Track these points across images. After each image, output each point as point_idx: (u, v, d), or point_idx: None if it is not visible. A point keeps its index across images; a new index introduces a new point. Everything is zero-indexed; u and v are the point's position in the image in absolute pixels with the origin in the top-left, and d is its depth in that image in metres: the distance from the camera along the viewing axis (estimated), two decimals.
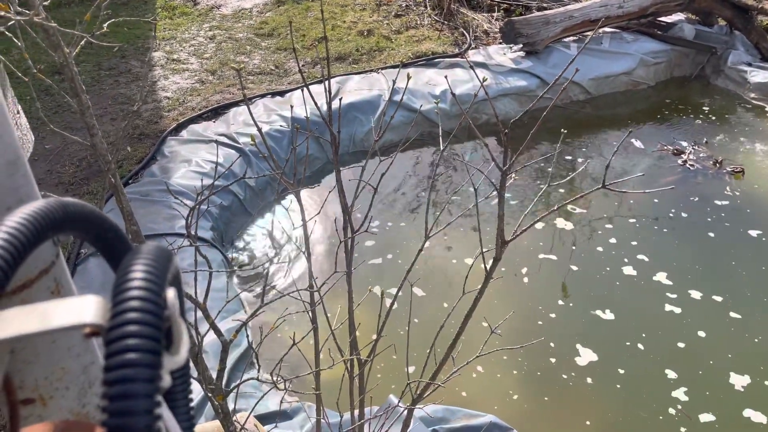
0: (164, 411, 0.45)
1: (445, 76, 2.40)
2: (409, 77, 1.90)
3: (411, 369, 2.80)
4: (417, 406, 1.84)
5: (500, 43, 6.18)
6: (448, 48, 6.09)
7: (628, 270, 3.72)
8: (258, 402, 1.61)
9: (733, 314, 3.38)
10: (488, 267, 1.64)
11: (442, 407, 2.70)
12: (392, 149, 5.15)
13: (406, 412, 1.99)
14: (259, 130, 1.60)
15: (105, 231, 0.47)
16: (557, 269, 3.77)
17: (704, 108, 5.70)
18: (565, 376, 3.06)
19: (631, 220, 4.19)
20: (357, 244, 3.92)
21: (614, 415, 2.89)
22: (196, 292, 1.37)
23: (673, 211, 4.25)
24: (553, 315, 3.43)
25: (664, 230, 4.08)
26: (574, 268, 3.77)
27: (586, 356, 3.17)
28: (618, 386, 3.01)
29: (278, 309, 3.12)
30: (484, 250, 1.71)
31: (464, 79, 5.46)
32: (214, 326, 1.37)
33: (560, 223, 4.20)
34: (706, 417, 2.86)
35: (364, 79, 5.47)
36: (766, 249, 3.87)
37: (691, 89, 6.08)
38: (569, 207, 4.41)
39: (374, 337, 1.77)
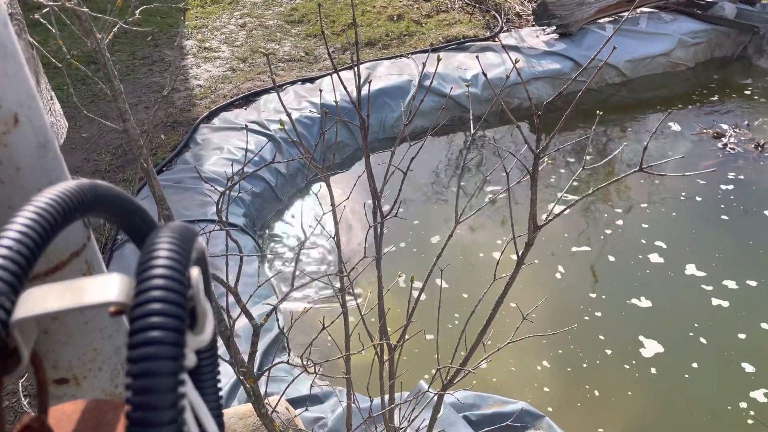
0: (191, 391, 0.45)
1: (476, 56, 2.36)
2: (439, 59, 1.87)
3: (441, 356, 2.79)
4: (447, 392, 1.83)
5: (533, 25, 6.06)
6: (480, 31, 6.00)
7: (662, 258, 3.63)
8: (289, 385, 1.62)
9: None
10: (520, 253, 1.61)
11: (472, 393, 2.69)
12: (423, 135, 5.11)
13: (436, 397, 1.98)
14: (289, 115, 1.59)
15: (132, 213, 0.47)
16: (592, 258, 3.70)
17: (746, 89, 5.50)
18: (598, 361, 3.01)
19: (669, 207, 4.08)
20: (388, 229, 3.92)
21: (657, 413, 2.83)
22: (227, 277, 1.38)
23: (714, 197, 4.13)
24: (594, 309, 3.37)
25: (707, 217, 3.97)
26: (612, 258, 3.69)
27: (650, 347, 3.10)
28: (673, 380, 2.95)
29: (310, 295, 3.15)
30: (517, 236, 1.68)
31: (496, 63, 5.38)
32: (245, 310, 1.38)
33: (596, 209, 4.12)
34: None
35: (394, 64, 5.43)
36: None
37: (732, 70, 5.87)
38: (606, 194, 4.32)
39: (404, 323, 1.77)
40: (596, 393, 2.90)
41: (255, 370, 2.62)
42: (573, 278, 3.54)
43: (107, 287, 0.38)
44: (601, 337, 3.16)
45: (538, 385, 2.95)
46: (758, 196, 4.11)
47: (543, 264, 3.63)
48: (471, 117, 2.01)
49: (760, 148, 4.56)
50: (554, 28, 5.69)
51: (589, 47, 5.54)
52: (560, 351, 3.08)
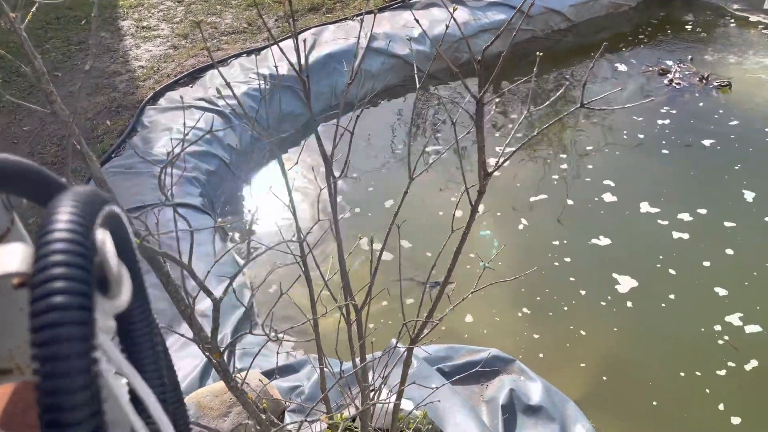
0: (119, 359, 0.44)
1: (416, 20, 2.33)
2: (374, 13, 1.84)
3: (410, 314, 2.83)
4: (417, 346, 1.86)
5: None
6: None
7: (615, 197, 3.72)
8: (255, 357, 1.63)
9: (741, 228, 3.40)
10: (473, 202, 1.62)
11: (445, 346, 2.74)
12: (376, 97, 5.07)
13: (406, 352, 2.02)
14: (230, 87, 1.55)
15: (38, 182, 0.45)
16: (552, 205, 3.76)
17: (687, 25, 5.59)
18: (574, 302, 3.10)
19: (615, 147, 4.17)
20: (342, 196, 3.92)
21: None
22: (179, 254, 1.36)
23: (655, 132, 4.23)
24: (561, 254, 3.44)
25: (657, 151, 4.06)
26: (570, 202, 3.76)
27: (625, 283, 3.19)
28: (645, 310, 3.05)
29: (283, 269, 3.13)
30: (469, 186, 1.70)
31: (442, 19, 5.33)
32: (202, 286, 1.37)
33: (549, 157, 4.18)
34: (753, 328, 2.91)
35: (340, 28, 5.33)
36: (756, 160, 3.86)
37: (673, 6, 5.94)
38: (558, 141, 4.38)
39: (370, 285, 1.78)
40: (582, 332, 2.97)
41: (225, 345, 2.61)
42: (536, 227, 3.60)
43: (8, 258, 0.37)
44: (572, 279, 3.24)
45: (524, 332, 3.01)
46: (696, 127, 4.22)
47: (506, 218, 3.68)
48: (416, 75, 1.99)
49: (704, 81, 4.66)
50: None
51: None
52: (538, 298, 3.14)
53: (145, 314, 0.50)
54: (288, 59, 1.73)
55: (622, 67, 5.04)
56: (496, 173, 4.42)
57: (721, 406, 2.55)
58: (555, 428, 2.34)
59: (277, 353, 1.62)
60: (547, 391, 2.47)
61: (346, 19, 5.54)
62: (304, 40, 1.54)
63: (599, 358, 2.86)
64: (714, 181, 3.75)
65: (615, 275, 3.22)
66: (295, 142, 4.50)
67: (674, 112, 4.40)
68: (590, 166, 4.01)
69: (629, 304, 3.07)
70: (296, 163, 1.69)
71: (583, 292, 3.16)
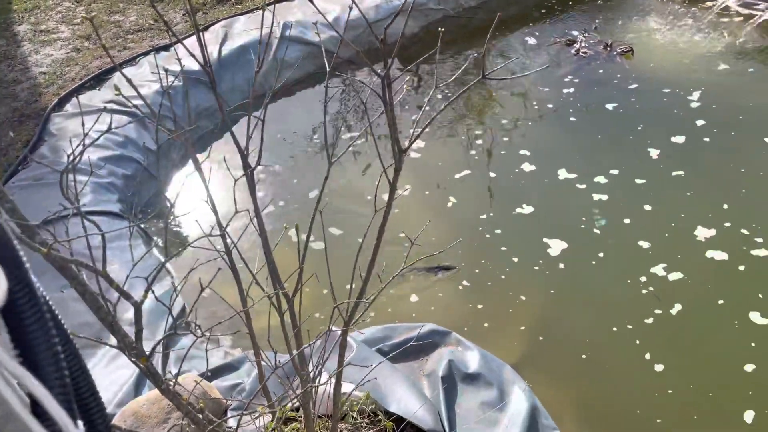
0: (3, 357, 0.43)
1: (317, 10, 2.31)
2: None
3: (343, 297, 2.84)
4: (351, 329, 1.88)
5: None
6: None
7: (533, 166, 3.86)
8: (184, 358, 1.60)
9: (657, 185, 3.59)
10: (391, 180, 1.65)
11: (383, 327, 2.78)
12: (295, 87, 5.02)
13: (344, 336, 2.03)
14: (132, 84, 1.50)
15: None
16: (476, 179, 3.85)
17: None
18: (508, 269, 3.19)
19: (531, 117, 4.31)
20: (263, 191, 3.87)
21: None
22: (93, 261, 1.31)
23: (568, 99, 4.40)
24: (491, 226, 3.53)
25: (566, 119, 4.23)
26: (492, 174, 3.86)
27: (555, 246, 3.31)
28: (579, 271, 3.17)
29: (211, 268, 3.07)
30: (388, 165, 1.71)
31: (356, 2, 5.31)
32: (119, 290, 1.33)
33: (468, 133, 4.28)
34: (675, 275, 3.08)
35: (251, 18, 5.23)
36: (655, 119, 4.08)
37: None
38: (476, 115, 4.48)
39: (300, 275, 1.78)
40: (522, 297, 3.07)
41: (162, 350, 2.54)
42: (464, 203, 3.68)
43: None
44: (504, 248, 3.34)
45: (468, 305, 3.07)
46: (599, 93, 4.41)
47: (434, 197, 3.74)
48: (326, 63, 1.99)
49: (608, 48, 4.87)
50: None
51: None
52: (476, 271, 3.21)
53: (34, 307, 0.49)
54: (193, 55, 1.69)
55: (531, 41, 5.20)
56: (416, 155, 4.49)
57: (647, 356, 2.70)
58: (493, 392, 2.43)
59: (206, 350, 1.59)
60: (483, 358, 2.55)
61: (257, 8, 5.43)
62: (198, 29, 1.50)
63: (538, 320, 2.97)
64: (620, 142, 3.95)
65: (545, 239, 3.34)
66: (219, 137, 4.40)
67: (577, 80, 4.59)
68: (506, 139, 4.14)
69: (561, 265, 3.20)
70: (208, 156, 1.65)
71: (516, 260, 3.26)
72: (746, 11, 5.11)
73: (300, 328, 1.90)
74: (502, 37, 5.36)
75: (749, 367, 2.60)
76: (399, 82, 4.92)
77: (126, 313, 2.58)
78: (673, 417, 2.46)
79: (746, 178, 3.54)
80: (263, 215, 1.83)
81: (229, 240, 1.73)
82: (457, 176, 3.88)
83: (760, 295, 2.90)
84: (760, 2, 5.09)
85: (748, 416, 2.41)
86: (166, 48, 4.97)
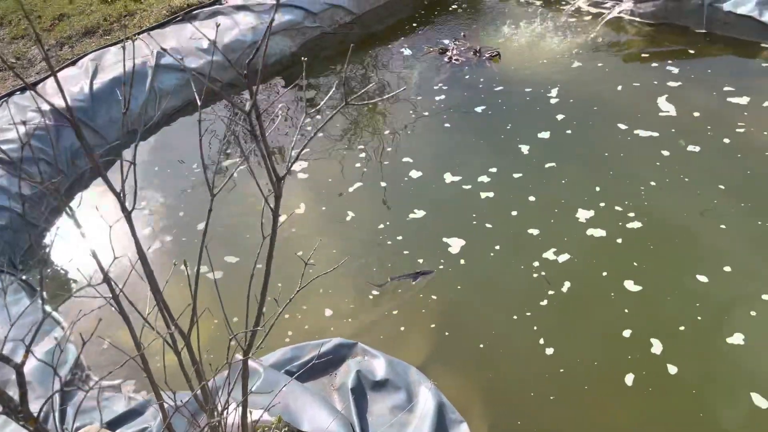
0: None
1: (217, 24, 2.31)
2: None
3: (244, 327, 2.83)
4: (251, 358, 1.90)
5: None
6: None
7: (419, 173, 4.03)
8: (77, 413, 1.55)
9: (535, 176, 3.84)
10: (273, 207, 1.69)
11: (290, 348, 2.80)
12: (176, 115, 4.91)
13: (259, 368, 2.03)
14: None
15: None
16: (368, 190, 3.96)
17: (456, 3, 6.13)
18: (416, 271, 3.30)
19: (410, 126, 4.49)
20: (157, 224, 3.78)
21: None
22: None
23: (439, 106, 4.62)
24: (389, 234, 3.63)
25: (441, 125, 4.44)
26: (383, 184, 3.98)
27: (455, 244, 3.46)
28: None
29: (105, 312, 2.94)
30: (268, 194, 1.75)
31: (229, 26, 5.29)
32: None
33: (354, 148, 4.39)
34: (563, 257, 3.30)
35: (122, 49, 5.05)
36: (521, 117, 4.39)
37: None
38: (357, 131, 4.60)
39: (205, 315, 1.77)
40: (434, 297, 3.18)
41: (58, 407, 2.42)
42: (362, 214, 3.77)
43: None
44: (406, 252, 3.45)
45: (383, 312, 3.14)
46: (469, 98, 4.67)
47: (331, 212, 3.81)
48: (210, 89, 2.00)
49: (478, 54, 5.17)
50: None
51: None
52: (399, 290, 3.29)
53: None
54: (49, 103, 1.65)
55: (407, 52, 5.42)
56: (304, 175, 4.53)
57: (541, 341, 2.89)
58: (402, 395, 2.52)
59: (98, 401, 1.55)
60: (390, 363, 2.65)
61: (128, 38, 5.26)
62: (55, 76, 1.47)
63: (446, 316, 3.10)
64: (494, 142, 4.21)
65: (445, 239, 3.50)
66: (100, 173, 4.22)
67: (446, 87, 4.84)
68: (389, 149, 4.29)
69: (462, 261, 3.36)
70: (79, 204, 1.62)
71: (421, 261, 3.39)
72: (596, 10, 5.60)
73: (200, 364, 1.90)
74: (379, 50, 5.54)
75: (626, 333, 2.86)
76: (292, 99, 4.95)
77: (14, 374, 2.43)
78: (565, 392, 2.66)
79: (611, 160, 3.89)
80: (151, 252, 1.82)
81: (122, 282, 1.69)
82: (350, 189, 3.97)
83: (635, 263, 3.20)
84: (607, 1, 5.61)
85: (629, 379, 2.66)
86: (33, 86, 4.69)
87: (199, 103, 1.88)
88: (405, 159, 4.15)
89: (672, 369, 2.68)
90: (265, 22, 5.43)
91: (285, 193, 4.35)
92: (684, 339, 2.80)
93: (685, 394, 2.60)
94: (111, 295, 1.75)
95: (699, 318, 2.88)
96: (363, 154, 4.27)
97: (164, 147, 4.60)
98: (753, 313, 2.86)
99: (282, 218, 3.77)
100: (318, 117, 4.59)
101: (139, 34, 5.27)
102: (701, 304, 2.93)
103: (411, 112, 4.63)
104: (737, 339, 2.77)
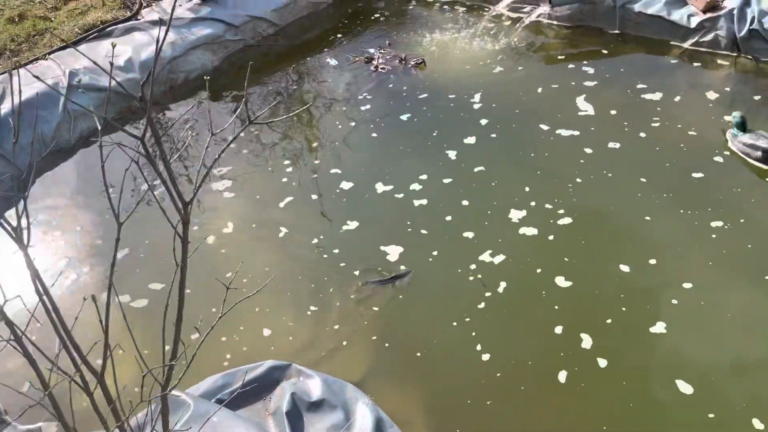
0: None
1: (113, 44, 2.20)
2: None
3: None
4: (175, 389, 1.80)
5: None
6: (118, 13, 5.59)
7: (350, 183, 4.00)
8: None
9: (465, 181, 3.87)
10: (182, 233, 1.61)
11: (221, 375, 2.70)
12: (94, 136, 4.69)
13: (190, 401, 1.93)
14: None
15: None
16: (300, 203, 3.89)
17: (377, 12, 6.15)
18: (334, 278, 3.24)
19: (338, 137, 4.45)
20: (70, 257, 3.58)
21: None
22: None
23: (365, 116, 4.61)
24: (324, 246, 3.57)
25: (369, 135, 4.42)
26: (314, 197, 3.91)
27: (392, 251, 3.44)
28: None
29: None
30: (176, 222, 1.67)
31: (146, 42, 5.12)
32: None
33: (281, 161, 4.31)
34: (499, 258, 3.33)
35: (32, 71, 4.79)
36: (446, 123, 4.43)
37: None
38: (286, 143, 4.53)
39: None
40: (375, 308, 3.13)
41: None
42: (295, 229, 3.68)
43: None
44: (342, 264, 3.40)
45: (325, 328, 3.07)
46: (394, 107, 4.67)
47: (263, 229, 3.72)
48: (97, 121, 1.90)
49: (403, 62, 5.19)
50: None
51: (234, 5, 5.59)
52: (320, 295, 3.24)
53: None
54: None
55: (333, 62, 5.38)
56: (230, 194, 4.40)
57: (478, 347, 2.89)
58: (339, 414, 2.47)
59: None
60: (325, 382, 2.59)
61: (37, 59, 5.00)
62: None
63: (387, 327, 3.06)
64: (421, 149, 4.22)
65: (382, 248, 3.47)
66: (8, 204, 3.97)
67: (370, 96, 4.84)
68: (317, 162, 4.24)
69: (402, 267, 3.34)
70: None
71: (357, 272, 3.34)
72: (515, 15, 5.73)
73: (119, 402, 1.79)
74: (304, 61, 5.48)
75: (558, 329, 2.91)
76: (217, 112, 4.80)
77: None
78: (501, 395, 2.67)
79: (537, 160, 3.97)
80: (69, 284, 1.70)
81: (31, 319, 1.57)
82: (281, 205, 3.89)
83: (566, 258, 3.26)
84: (525, 5, 5.75)
85: (562, 376, 2.70)
86: None
87: (99, 127, 1.78)
88: (334, 171, 4.11)
89: (602, 362, 2.74)
90: (185, 36, 5.29)
91: (210, 214, 4.23)
92: (611, 331, 2.87)
93: (615, 386, 2.66)
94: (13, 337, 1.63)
95: (624, 309, 2.96)
96: (290, 169, 4.19)
97: (85, 170, 4.40)
98: (674, 302, 2.97)
99: (209, 240, 3.65)
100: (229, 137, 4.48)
101: (49, 54, 5.01)
102: (626, 296, 3.02)
103: (338, 123, 4.59)
104: (659, 328, 2.86)
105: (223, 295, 1.95)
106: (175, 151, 4.23)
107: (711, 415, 2.50)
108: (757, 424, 2.44)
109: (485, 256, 3.35)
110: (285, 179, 4.09)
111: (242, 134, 4.48)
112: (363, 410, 2.48)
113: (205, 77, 1.67)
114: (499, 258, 3.33)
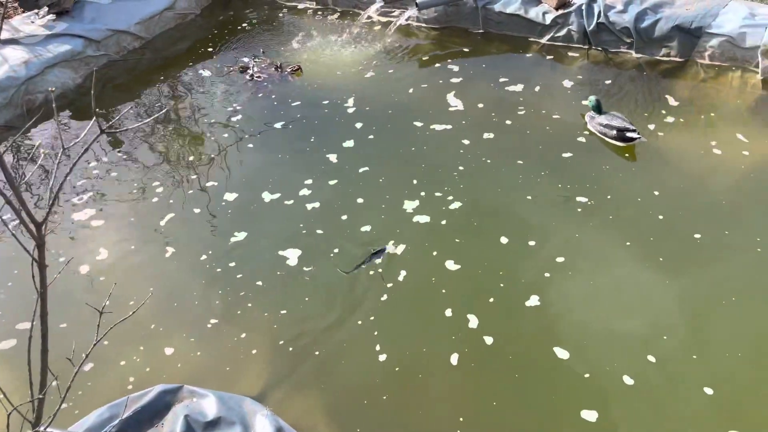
0: None
1: None
2: None
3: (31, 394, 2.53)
4: (45, 429, 1.69)
5: (23, 11, 5.45)
6: None
7: (234, 194, 3.93)
8: None
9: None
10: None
11: (107, 407, 2.55)
12: None
13: None
14: None
15: None
16: (187, 221, 3.76)
17: (251, 19, 6.09)
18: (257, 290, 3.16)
19: (217, 149, 4.37)
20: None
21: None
22: None
23: (234, 127, 4.57)
24: (235, 259, 3.45)
25: (245, 147, 4.37)
26: (197, 210, 3.80)
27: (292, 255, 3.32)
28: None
29: None
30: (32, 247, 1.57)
31: None
32: None
33: (153, 178, 4.15)
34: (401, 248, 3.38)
35: None
36: (322, 129, 4.46)
37: (235, 7, 6.39)
38: (158, 160, 4.37)
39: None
40: (283, 312, 3.07)
41: None
42: (182, 248, 3.56)
43: None
44: (239, 276, 3.32)
45: (233, 339, 2.98)
46: (267, 116, 4.65)
47: (146, 250, 3.56)
48: None
49: (279, 69, 5.17)
50: (47, 9, 5.23)
51: (93, 19, 5.30)
52: (238, 312, 3.14)
53: None
54: None
55: (206, 73, 5.25)
56: (97, 222, 4.21)
57: (377, 347, 2.92)
58: (237, 430, 2.42)
59: None
60: (220, 399, 2.52)
61: None
62: None
63: (293, 331, 3.03)
64: (301, 155, 4.21)
65: (280, 252, 3.44)
66: None
67: (240, 107, 4.79)
68: (194, 176, 4.11)
69: (306, 269, 3.34)
70: None
71: (260, 283, 3.27)
72: (385, 19, 5.88)
73: None
74: (178, 73, 5.30)
75: (448, 312, 3.02)
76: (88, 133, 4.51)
77: None
78: (397, 391, 2.72)
79: (419, 155, 4.11)
80: None
81: None
82: (161, 222, 3.74)
83: (457, 240, 3.41)
84: (394, 9, 5.91)
85: (454, 359, 2.81)
86: None
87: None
88: (210, 183, 4.02)
89: (488, 340, 2.89)
90: (40, 54, 4.94)
91: (81, 242, 3.99)
92: (493, 309, 3.03)
93: (502, 361, 2.80)
94: None
95: (502, 286, 3.14)
96: (164, 187, 4.03)
97: None
98: (547, 275, 3.19)
99: (83, 269, 3.43)
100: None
101: None
102: (504, 273, 3.20)
103: (212, 135, 4.49)
104: (533, 301, 3.06)
105: (106, 323, 1.85)
106: (23, 176, 3.94)
107: (587, 375, 2.71)
108: (627, 380, 2.67)
109: (388, 248, 3.41)
110: (157, 199, 3.92)
111: (106, 157, 4.27)
112: (263, 422, 2.45)
113: (50, 89, 1.58)
114: (401, 248, 3.41)
